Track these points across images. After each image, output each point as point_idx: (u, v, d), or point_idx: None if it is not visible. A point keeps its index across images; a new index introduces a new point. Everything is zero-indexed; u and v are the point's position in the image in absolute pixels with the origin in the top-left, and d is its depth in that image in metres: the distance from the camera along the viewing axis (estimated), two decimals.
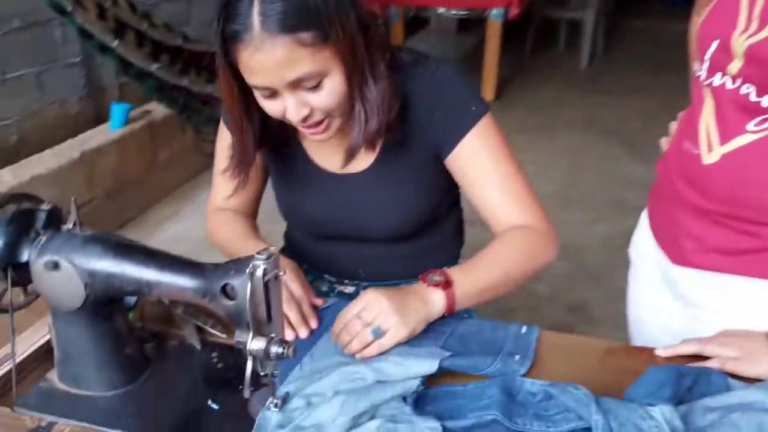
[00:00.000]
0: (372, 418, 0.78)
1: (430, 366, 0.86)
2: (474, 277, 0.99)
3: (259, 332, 0.77)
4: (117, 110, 3.09)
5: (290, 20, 0.83)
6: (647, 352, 0.95)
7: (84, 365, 0.88)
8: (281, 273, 0.77)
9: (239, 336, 0.78)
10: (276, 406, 0.82)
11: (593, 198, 3.37)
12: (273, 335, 0.77)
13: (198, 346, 0.95)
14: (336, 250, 1.21)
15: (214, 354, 0.96)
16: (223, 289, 0.77)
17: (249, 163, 1.05)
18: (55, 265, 0.80)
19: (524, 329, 0.98)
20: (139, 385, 0.91)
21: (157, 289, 0.80)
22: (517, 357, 0.91)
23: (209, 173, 1.23)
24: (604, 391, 0.83)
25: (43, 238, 0.83)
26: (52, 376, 0.91)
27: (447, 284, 0.95)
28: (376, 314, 0.89)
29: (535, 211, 1.05)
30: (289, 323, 0.97)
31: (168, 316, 1.03)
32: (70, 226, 0.85)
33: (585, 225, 3.11)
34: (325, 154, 1.11)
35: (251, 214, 1.25)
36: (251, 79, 0.90)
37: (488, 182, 1.04)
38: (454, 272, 0.98)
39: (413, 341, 0.92)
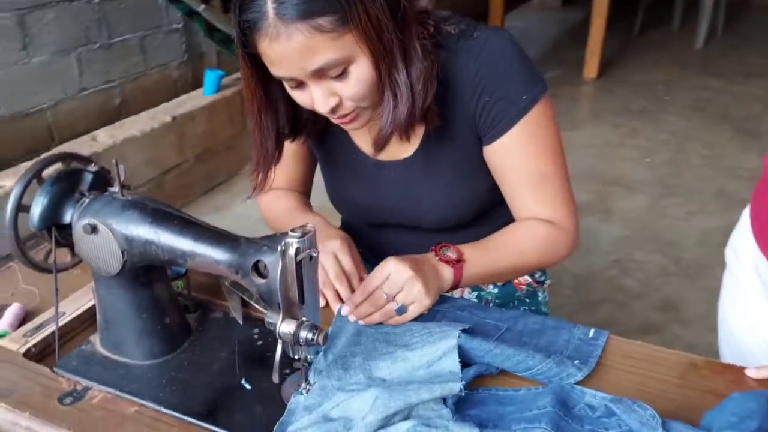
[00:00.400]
0: (406, 418, 0.71)
1: (449, 342, 0.80)
2: (487, 260, 0.96)
3: (290, 314, 0.72)
4: (210, 76, 3.15)
5: (306, 5, 0.75)
6: (735, 371, 0.83)
7: (123, 332, 0.86)
8: (315, 253, 0.71)
9: (270, 317, 0.73)
10: (308, 392, 0.77)
11: (696, 189, 3.11)
12: (304, 319, 0.72)
13: (240, 321, 0.92)
14: (386, 238, 1.16)
15: (256, 331, 0.92)
16: (255, 266, 0.72)
17: (269, 160, 0.99)
18: (94, 229, 0.78)
19: (592, 333, 0.88)
20: (177, 356, 0.88)
21: (191, 260, 0.77)
22: (576, 361, 0.81)
23: None
24: (676, 414, 0.72)
25: (86, 200, 0.82)
26: (95, 339, 0.90)
27: (458, 262, 0.92)
28: (401, 286, 0.86)
29: (564, 209, 1.01)
30: (338, 297, 0.94)
31: (215, 286, 1.00)
32: (116, 189, 0.83)
33: (684, 217, 2.88)
34: (368, 139, 1.04)
35: (306, 193, 1.21)
36: (273, 70, 0.84)
37: (522, 182, 0.98)
38: (468, 251, 0.95)
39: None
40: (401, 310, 0.87)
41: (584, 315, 2.29)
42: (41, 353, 0.89)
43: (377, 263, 0.90)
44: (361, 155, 1.06)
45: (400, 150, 1.01)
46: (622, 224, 2.82)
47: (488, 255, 0.97)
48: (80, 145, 2.58)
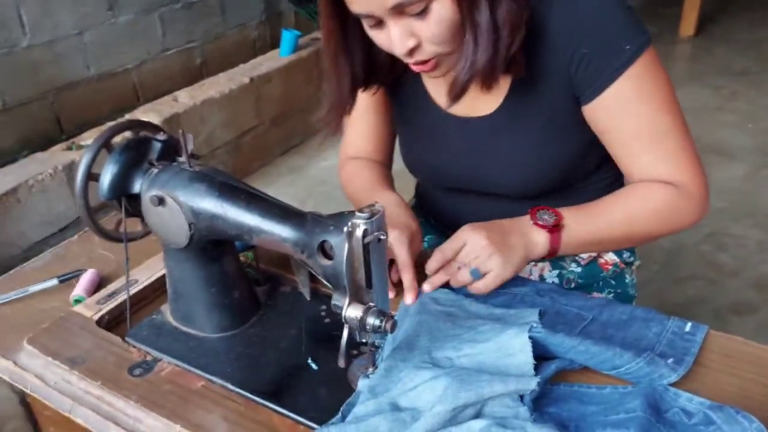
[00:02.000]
0: (478, 415, 0.66)
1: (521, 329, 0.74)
2: (590, 226, 0.87)
3: (357, 299, 0.68)
4: (287, 37, 3.13)
5: None
6: None
7: (192, 304, 0.85)
8: (384, 236, 0.66)
9: (336, 299, 0.69)
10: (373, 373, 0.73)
11: None
12: (372, 304, 0.68)
13: (308, 297, 0.89)
14: (462, 204, 1.09)
15: (323, 308, 0.89)
16: (321, 246, 0.68)
17: (342, 108, 0.94)
18: (161, 201, 0.76)
19: (688, 327, 0.79)
20: (245, 330, 0.87)
21: (257, 236, 0.74)
22: (670, 360, 0.73)
23: None
24: None
25: (154, 171, 0.80)
26: (166, 309, 0.90)
27: (555, 227, 0.85)
28: (476, 255, 0.81)
29: (688, 168, 0.89)
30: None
31: (285, 259, 0.97)
32: (183, 159, 0.81)
33: None
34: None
35: (385, 161, 1.16)
36: (352, 7, 0.79)
37: (634, 138, 0.87)
38: (569, 215, 0.87)
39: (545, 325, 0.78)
40: (476, 273, 0.82)
41: (673, 292, 2.16)
42: (114, 321, 0.89)
43: (451, 234, 0.85)
44: (439, 111, 1.00)
45: (482, 105, 0.94)
46: (718, 195, 2.62)
47: (593, 220, 0.89)
48: (162, 106, 2.63)
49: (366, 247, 0.65)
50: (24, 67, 2.40)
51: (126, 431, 0.75)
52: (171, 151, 0.84)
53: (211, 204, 0.75)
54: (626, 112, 0.86)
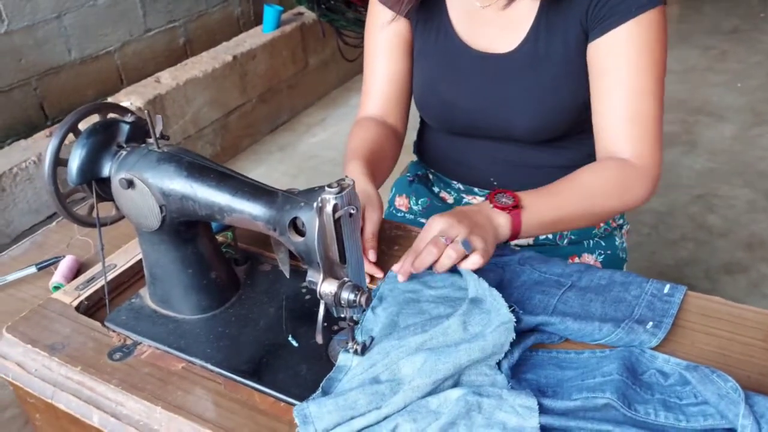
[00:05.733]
0: (456, 385, 0.66)
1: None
2: (549, 205, 0.88)
3: (331, 274, 0.68)
4: (269, 12, 3.08)
5: None
6: None
7: (170, 287, 0.85)
8: (354, 210, 0.65)
9: (311, 275, 0.69)
10: (356, 352, 0.73)
11: None
12: (346, 279, 0.67)
13: (287, 275, 0.88)
14: (468, 150, 1.09)
15: (304, 284, 0.89)
16: (293, 223, 0.68)
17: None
18: (130, 183, 0.75)
19: (667, 288, 0.79)
20: (225, 311, 0.86)
21: (229, 215, 0.73)
22: (649, 325, 0.73)
23: (359, 79, 1.13)
24: (763, 383, 0.64)
25: (123, 153, 0.79)
26: (145, 293, 0.89)
27: (515, 208, 0.85)
28: (457, 233, 0.79)
29: (648, 140, 0.91)
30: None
31: (265, 238, 0.96)
32: (152, 141, 0.80)
33: None
34: (471, 27, 1.00)
35: (397, 123, 1.13)
36: None
37: (618, 87, 0.90)
38: (527, 196, 0.87)
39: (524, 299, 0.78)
40: (467, 245, 0.78)
41: (664, 254, 2.16)
42: (93, 306, 0.89)
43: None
44: (460, 44, 1.01)
45: (503, 42, 0.97)
46: (707, 156, 2.62)
47: (551, 200, 0.89)
48: (144, 88, 2.60)
49: (337, 222, 0.65)
50: (4, 53, 2.37)
51: (108, 414, 0.75)
52: (140, 133, 0.83)
53: (180, 185, 0.74)
54: (621, 58, 0.88)
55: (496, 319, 0.70)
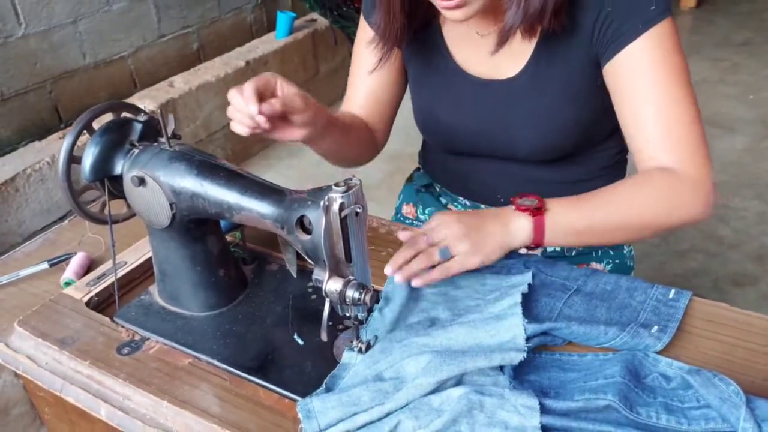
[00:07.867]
0: (458, 383, 0.67)
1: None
2: (578, 212, 0.83)
3: (337, 272, 0.69)
4: (282, 19, 3.11)
5: None
6: None
7: (179, 284, 0.86)
8: (360, 209, 0.66)
9: (317, 274, 0.70)
10: (360, 351, 0.74)
11: None
12: (352, 278, 0.68)
13: (294, 275, 0.89)
14: (473, 168, 1.07)
15: (310, 284, 0.90)
16: (300, 221, 0.69)
17: (395, 35, 0.93)
18: (141, 181, 0.77)
19: (672, 293, 0.80)
20: (232, 309, 0.87)
21: (238, 214, 0.74)
22: (654, 329, 0.74)
23: None
24: (766, 389, 0.64)
25: (135, 152, 0.80)
26: (154, 290, 0.90)
27: (538, 211, 0.82)
28: (444, 237, 0.79)
29: (693, 151, 0.84)
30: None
31: (273, 237, 0.98)
32: (164, 139, 0.81)
33: None
34: (470, 55, 0.98)
35: (380, 127, 1.12)
36: None
37: (646, 103, 0.84)
38: (554, 202, 0.83)
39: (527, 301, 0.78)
40: (444, 253, 0.79)
41: (673, 264, 2.16)
42: (103, 302, 0.90)
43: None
44: (459, 71, 1.00)
45: (505, 68, 0.94)
46: (718, 168, 2.61)
47: (581, 209, 0.84)
48: (157, 92, 2.63)
49: (344, 221, 0.66)
50: (20, 57, 2.40)
51: (115, 408, 0.76)
52: (152, 132, 0.84)
53: (190, 183, 0.75)
54: (640, 74, 0.84)
55: (507, 334, 0.71)
